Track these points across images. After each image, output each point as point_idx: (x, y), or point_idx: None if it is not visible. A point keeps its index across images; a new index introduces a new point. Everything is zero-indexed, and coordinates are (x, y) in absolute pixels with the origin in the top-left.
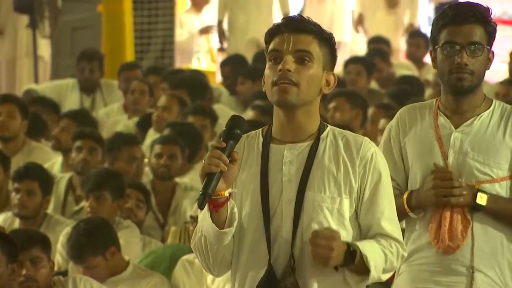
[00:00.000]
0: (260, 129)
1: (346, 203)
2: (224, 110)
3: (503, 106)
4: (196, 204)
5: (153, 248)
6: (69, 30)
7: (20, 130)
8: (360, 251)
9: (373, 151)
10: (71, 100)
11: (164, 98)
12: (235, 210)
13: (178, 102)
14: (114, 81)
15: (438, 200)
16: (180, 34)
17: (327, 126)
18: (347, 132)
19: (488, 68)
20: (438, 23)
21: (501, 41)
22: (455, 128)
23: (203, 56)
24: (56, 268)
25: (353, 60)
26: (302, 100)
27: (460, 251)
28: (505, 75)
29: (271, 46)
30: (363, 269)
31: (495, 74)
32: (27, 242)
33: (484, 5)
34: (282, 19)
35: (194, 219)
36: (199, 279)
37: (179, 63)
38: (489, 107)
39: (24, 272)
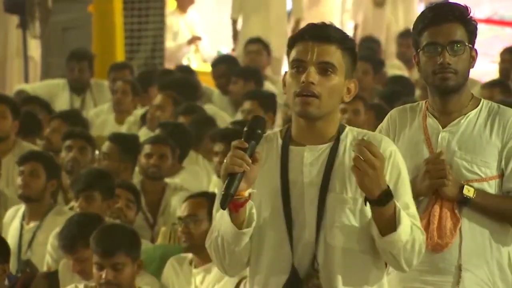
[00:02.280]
0: (279, 130)
1: (368, 203)
2: (215, 110)
3: (490, 105)
4: (183, 205)
5: (143, 248)
6: (59, 30)
7: (11, 130)
8: (395, 204)
9: (392, 149)
10: (61, 100)
11: (159, 97)
12: (254, 210)
13: (172, 102)
14: (104, 81)
15: (432, 183)
16: (167, 38)
17: (345, 127)
18: (367, 132)
19: (472, 67)
20: (418, 26)
21: (491, 42)
22: (443, 128)
23: (192, 56)
24: (45, 268)
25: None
26: (323, 112)
27: (448, 250)
28: (495, 76)
29: (293, 54)
30: (389, 226)
31: (486, 74)
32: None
33: (463, 3)
34: (306, 26)
35: (183, 219)
36: (188, 279)
37: (169, 64)
38: (477, 107)
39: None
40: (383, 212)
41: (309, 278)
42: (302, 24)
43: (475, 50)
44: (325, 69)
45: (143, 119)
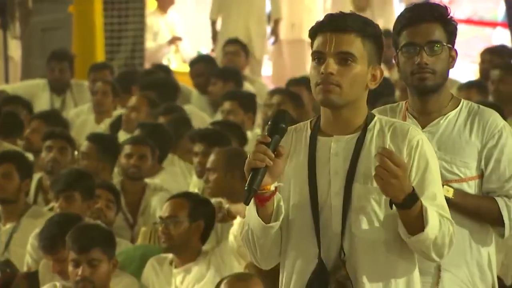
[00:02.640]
0: (309, 121)
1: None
2: (194, 111)
3: (471, 105)
4: (165, 205)
5: (123, 248)
6: (39, 30)
7: None
8: (421, 203)
9: (419, 138)
10: (42, 101)
11: (134, 99)
12: (281, 203)
13: (148, 103)
14: (85, 82)
15: None
16: (147, 38)
17: (374, 116)
18: (396, 121)
19: (452, 67)
20: (397, 27)
21: (471, 42)
22: (422, 129)
23: (172, 56)
24: (26, 269)
25: None
26: (346, 100)
27: None
28: (475, 76)
29: (314, 46)
30: (417, 225)
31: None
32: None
33: (441, 3)
34: (324, 17)
35: (163, 220)
36: (168, 279)
37: (149, 64)
38: (457, 107)
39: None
40: (409, 214)
41: (337, 269)
42: (282, 24)
43: (455, 50)
44: (345, 59)
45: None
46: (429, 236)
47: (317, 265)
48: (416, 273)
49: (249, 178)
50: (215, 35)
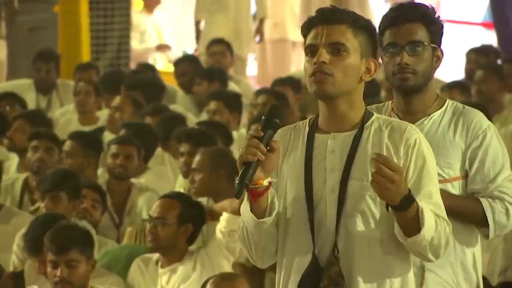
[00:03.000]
0: (308, 119)
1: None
2: (180, 111)
3: (456, 105)
4: (155, 204)
5: (109, 248)
6: (25, 30)
7: None
8: (417, 204)
9: (417, 137)
10: (28, 101)
11: (118, 99)
12: (276, 199)
13: (132, 103)
14: (71, 82)
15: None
16: (133, 37)
17: (372, 114)
18: (393, 120)
19: (437, 67)
20: (380, 27)
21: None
22: None
23: (158, 56)
24: (12, 268)
25: None
26: (339, 90)
27: None
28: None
29: (307, 41)
30: (413, 227)
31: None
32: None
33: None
34: (315, 12)
35: (152, 219)
36: (154, 279)
37: (135, 64)
38: (442, 107)
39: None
40: (405, 216)
41: (330, 266)
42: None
43: (441, 50)
44: (337, 49)
45: None
46: (425, 238)
47: (311, 261)
48: (411, 273)
49: (240, 172)
50: (198, 35)
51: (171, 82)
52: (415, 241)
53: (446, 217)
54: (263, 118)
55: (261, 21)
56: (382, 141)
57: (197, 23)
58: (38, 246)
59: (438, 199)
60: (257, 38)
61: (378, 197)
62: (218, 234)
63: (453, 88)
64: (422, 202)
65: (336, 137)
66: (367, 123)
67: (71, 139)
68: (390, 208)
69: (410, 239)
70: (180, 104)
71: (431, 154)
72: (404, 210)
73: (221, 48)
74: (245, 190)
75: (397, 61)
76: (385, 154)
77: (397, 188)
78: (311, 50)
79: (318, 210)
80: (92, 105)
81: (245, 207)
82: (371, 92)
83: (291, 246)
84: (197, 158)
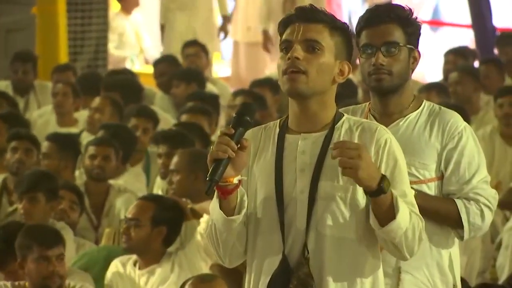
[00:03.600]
0: (278, 120)
1: (360, 191)
2: (158, 112)
3: (432, 106)
4: (132, 205)
5: (87, 250)
6: (3, 32)
7: None
8: (392, 192)
9: (388, 137)
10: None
11: (97, 100)
12: (245, 198)
13: (111, 104)
14: (48, 83)
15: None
16: (112, 40)
17: (343, 115)
18: (364, 121)
19: (414, 68)
20: (357, 28)
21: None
22: None
23: (136, 57)
24: None
25: None
26: (312, 89)
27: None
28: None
29: (283, 37)
30: (388, 215)
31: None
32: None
33: (405, 5)
34: (294, 9)
35: (127, 220)
36: (132, 281)
37: (113, 65)
38: (418, 108)
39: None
40: (383, 201)
41: (300, 267)
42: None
43: (418, 51)
44: (312, 46)
45: None
46: (400, 225)
47: (281, 261)
48: (381, 271)
49: (211, 169)
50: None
51: (149, 84)
52: (391, 229)
53: (419, 214)
54: (234, 115)
55: (225, 19)
56: (352, 141)
57: (162, 28)
58: (2, 260)
59: (411, 198)
60: (222, 36)
61: (348, 194)
62: (198, 236)
63: (430, 89)
64: None
65: (306, 138)
66: (338, 124)
67: (48, 141)
68: (368, 196)
69: (386, 227)
70: (159, 105)
71: (401, 154)
72: (384, 193)
73: (196, 49)
74: (215, 187)
75: (372, 62)
76: None
77: (368, 166)
78: (286, 46)
79: (288, 210)
80: (70, 107)
81: (214, 204)
82: (348, 93)
83: (261, 246)
84: (175, 159)
